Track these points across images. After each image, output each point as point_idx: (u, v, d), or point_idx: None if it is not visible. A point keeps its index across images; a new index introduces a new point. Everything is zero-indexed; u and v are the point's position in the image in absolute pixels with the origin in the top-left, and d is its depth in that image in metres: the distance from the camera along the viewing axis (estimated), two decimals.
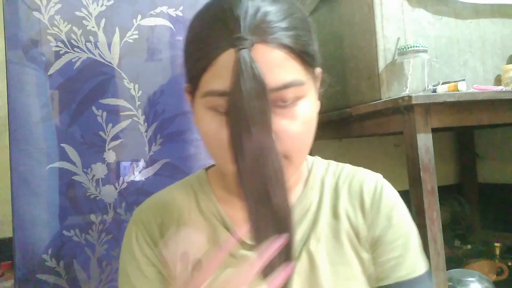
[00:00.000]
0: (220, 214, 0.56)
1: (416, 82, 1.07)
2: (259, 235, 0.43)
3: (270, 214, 0.42)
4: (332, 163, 0.62)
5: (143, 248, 0.56)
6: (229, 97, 0.40)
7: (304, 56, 0.45)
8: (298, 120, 0.46)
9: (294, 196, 0.57)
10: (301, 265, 0.53)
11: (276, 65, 0.43)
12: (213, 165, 0.62)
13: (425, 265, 0.54)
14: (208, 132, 0.47)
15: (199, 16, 0.49)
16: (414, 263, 0.54)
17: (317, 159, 0.62)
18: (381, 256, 0.54)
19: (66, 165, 0.78)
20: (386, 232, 0.55)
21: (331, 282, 0.52)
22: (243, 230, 0.50)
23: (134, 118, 0.82)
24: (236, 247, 0.53)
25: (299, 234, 0.54)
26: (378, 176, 0.59)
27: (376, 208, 0.55)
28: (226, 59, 0.42)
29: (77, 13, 0.79)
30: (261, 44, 0.42)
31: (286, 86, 0.43)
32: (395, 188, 0.60)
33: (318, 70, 0.53)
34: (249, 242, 0.53)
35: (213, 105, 0.45)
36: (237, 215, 0.55)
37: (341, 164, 0.62)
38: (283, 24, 0.44)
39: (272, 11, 0.44)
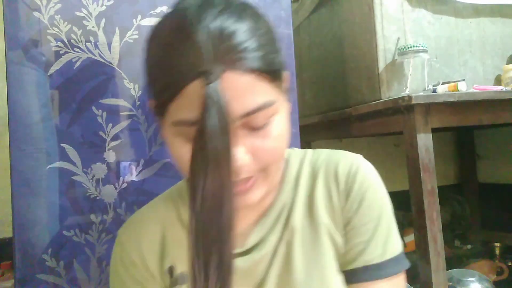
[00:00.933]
0: None
1: (416, 82, 1.07)
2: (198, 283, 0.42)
3: (214, 265, 0.41)
4: (309, 151, 0.61)
5: (128, 268, 0.56)
6: (196, 135, 0.40)
7: (273, 74, 0.45)
8: (272, 137, 0.46)
9: (271, 196, 0.56)
10: (277, 259, 0.53)
11: (246, 91, 0.42)
12: None
13: (396, 248, 0.53)
14: (178, 158, 0.46)
15: (159, 37, 0.46)
16: (384, 246, 0.53)
17: (294, 151, 0.62)
18: (351, 238, 0.54)
19: (66, 165, 0.78)
20: (356, 215, 0.54)
21: (305, 272, 0.52)
22: None
23: (134, 118, 0.82)
24: None
25: (277, 229, 0.55)
26: (355, 157, 0.57)
27: (349, 188, 0.54)
28: (193, 90, 0.40)
29: (77, 13, 0.79)
30: (229, 72, 0.40)
31: (258, 110, 0.43)
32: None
33: (285, 74, 0.52)
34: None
35: (183, 133, 0.44)
36: None
37: (318, 150, 0.61)
38: (250, 46, 0.42)
39: (236, 32, 0.41)
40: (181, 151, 0.45)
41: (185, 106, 0.42)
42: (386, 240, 0.53)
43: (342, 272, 0.54)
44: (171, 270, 0.55)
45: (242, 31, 0.42)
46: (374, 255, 0.52)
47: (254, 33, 0.43)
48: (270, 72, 0.44)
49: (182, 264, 0.54)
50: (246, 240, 0.54)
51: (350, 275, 0.53)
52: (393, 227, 0.55)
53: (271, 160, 0.47)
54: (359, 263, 0.52)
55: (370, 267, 0.52)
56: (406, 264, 0.54)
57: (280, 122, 0.47)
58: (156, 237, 0.57)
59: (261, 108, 0.43)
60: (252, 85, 0.42)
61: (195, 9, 0.43)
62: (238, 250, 0.53)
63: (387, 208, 0.55)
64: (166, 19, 0.46)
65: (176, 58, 0.42)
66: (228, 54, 0.40)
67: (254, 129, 0.45)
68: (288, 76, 0.53)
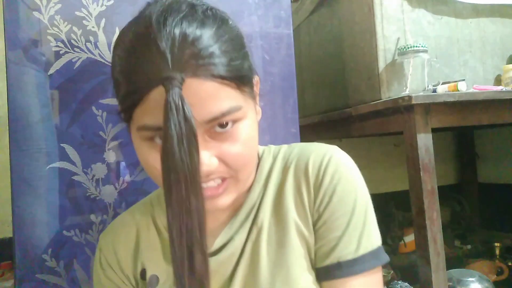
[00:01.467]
0: None
1: (416, 82, 1.07)
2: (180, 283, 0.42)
3: (187, 271, 0.42)
4: (284, 146, 0.60)
5: (107, 271, 0.58)
6: (162, 141, 0.40)
7: (238, 80, 0.44)
8: (239, 142, 0.46)
9: (242, 196, 0.55)
10: (243, 259, 0.53)
11: (210, 97, 0.42)
12: None
13: (373, 242, 0.51)
14: (146, 161, 0.47)
15: (123, 43, 0.46)
16: (358, 241, 0.51)
17: (268, 148, 0.61)
18: (322, 235, 0.52)
19: (66, 165, 0.78)
20: (326, 210, 0.52)
21: (269, 271, 0.51)
22: None
23: None
24: None
25: (244, 229, 0.54)
26: (328, 149, 0.55)
27: (319, 183, 0.52)
28: (156, 96, 0.41)
29: (77, 13, 0.79)
30: (191, 78, 0.40)
31: (222, 116, 0.43)
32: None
33: (256, 78, 0.52)
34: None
35: (149, 137, 0.45)
36: None
37: (293, 145, 0.60)
38: (214, 52, 0.42)
39: (200, 38, 0.41)
40: (147, 156, 0.46)
41: (149, 112, 0.42)
42: (361, 235, 0.51)
43: (315, 269, 0.52)
44: (143, 273, 0.56)
45: (205, 37, 0.42)
46: (347, 251, 0.50)
47: (217, 39, 0.43)
48: (235, 78, 0.44)
49: (153, 267, 0.55)
50: (215, 241, 0.54)
51: (323, 273, 0.51)
52: (369, 220, 0.52)
53: (240, 164, 0.47)
54: (331, 260, 0.51)
55: (343, 264, 0.50)
56: (384, 258, 0.52)
57: (248, 127, 0.47)
58: (131, 241, 0.58)
59: (225, 114, 0.43)
60: (216, 91, 0.42)
61: (159, 15, 0.42)
62: (210, 249, 0.54)
63: (361, 201, 0.53)
64: (131, 26, 0.47)
65: (139, 64, 0.42)
66: (190, 61, 0.40)
67: (220, 134, 0.45)
68: (258, 80, 0.53)
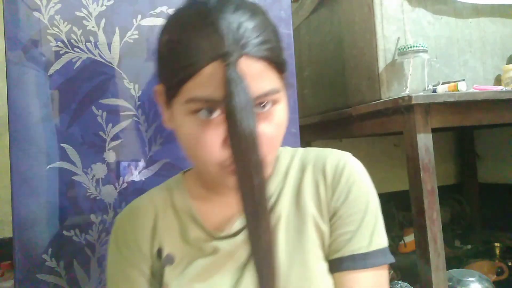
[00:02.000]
0: (191, 211, 0.59)
1: (416, 82, 1.07)
2: (251, 225, 0.46)
3: (252, 202, 0.46)
4: (300, 149, 0.65)
5: (122, 250, 0.59)
6: (225, 106, 0.44)
7: (278, 66, 0.49)
8: (273, 123, 0.50)
9: None
10: None
11: (258, 76, 0.47)
12: (190, 169, 0.66)
13: (382, 242, 0.55)
14: (189, 135, 0.50)
15: (175, 23, 0.51)
16: (370, 238, 0.55)
17: (285, 149, 0.65)
18: (337, 228, 0.56)
19: (66, 165, 0.78)
20: (343, 206, 0.56)
21: (287, 256, 0.55)
22: (213, 224, 0.57)
23: (134, 118, 0.82)
24: (205, 240, 0.57)
25: None
26: (343, 154, 0.61)
27: (336, 182, 0.57)
28: (211, 71, 0.45)
29: (77, 13, 0.79)
30: (244, 58, 0.45)
31: (265, 95, 0.48)
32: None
33: (286, 73, 0.56)
34: (217, 234, 0.57)
35: (195, 110, 0.48)
36: (211, 210, 0.59)
37: (309, 148, 0.64)
38: (262, 38, 0.47)
39: (251, 26, 0.47)
40: (192, 128, 0.49)
41: (201, 85, 0.46)
42: (372, 232, 0.55)
43: (328, 261, 0.56)
44: (159, 252, 0.58)
45: (256, 25, 0.48)
46: (360, 245, 0.54)
47: (265, 28, 0.48)
48: (277, 63, 0.49)
49: (169, 247, 0.58)
50: (232, 226, 0.57)
51: (336, 264, 0.55)
52: (379, 222, 0.57)
53: (269, 148, 0.50)
54: (345, 252, 0.54)
55: (357, 256, 0.54)
56: (391, 258, 0.55)
57: (283, 111, 0.52)
58: (149, 221, 0.60)
59: (267, 94, 0.48)
60: (263, 72, 0.47)
61: (215, 1, 0.48)
62: (223, 234, 0.57)
63: (373, 203, 0.57)
64: (185, 8, 0.51)
65: (196, 41, 0.46)
66: (244, 42, 0.45)
67: (258, 114, 0.49)
68: (287, 76, 0.56)
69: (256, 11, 0.50)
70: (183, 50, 0.47)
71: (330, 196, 0.57)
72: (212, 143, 0.48)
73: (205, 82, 0.46)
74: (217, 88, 0.45)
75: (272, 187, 0.60)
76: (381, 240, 0.55)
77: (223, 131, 0.47)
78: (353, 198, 0.57)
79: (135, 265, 0.58)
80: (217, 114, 0.47)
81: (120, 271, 0.59)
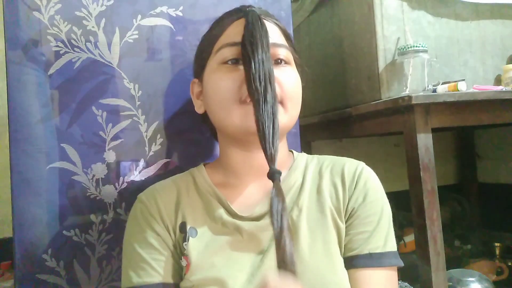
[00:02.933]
0: (214, 191, 0.64)
1: (416, 82, 1.07)
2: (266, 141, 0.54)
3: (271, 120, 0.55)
4: (317, 155, 0.71)
5: (147, 219, 0.62)
6: (241, 43, 0.57)
7: (289, 37, 0.66)
8: (289, 76, 0.62)
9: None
10: None
11: (274, 31, 0.62)
12: (208, 163, 0.72)
13: (394, 246, 0.61)
14: (218, 83, 0.60)
15: (216, 20, 0.68)
16: (385, 239, 0.60)
17: (302, 154, 0.72)
18: (354, 227, 0.61)
19: (66, 165, 0.78)
20: (360, 207, 0.61)
21: (309, 244, 0.58)
22: (236, 206, 0.62)
23: (134, 118, 0.82)
24: (228, 218, 0.61)
25: None
26: (360, 162, 0.67)
27: (355, 184, 0.63)
28: (237, 25, 0.61)
29: (77, 13, 0.79)
30: (263, 17, 0.61)
31: (280, 45, 0.61)
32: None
33: (296, 57, 0.69)
34: (241, 214, 0.61)
35: (225, 57, 0.60)
36: (233, 195, 0.64)
37: (325, 156, 0.71)
38: (275, 18, 0.66)
39: (269, 14, 0.66)
40: (222, 76, 0.60)
41: (228, 35, 0.61)
42: (387, 235, 0.60)
43: (344, 257, 0.60)
44: (182, 225, 0.61)
45: (273, 16, 0.67)
46: (377, 245, 0.59)
47: (277, 20, 0.67)
48: (287, 34, 0.66)
49: (192, 221, 0.61)
50: (254, 209, 0.61)
51: (353, 260, 0.59)
52: (391, 226, 0.63)
53: (288, 94, 0.60)
54: (363, 250, 0.58)
55: (374, 255, 0.58)
56: (401, 262, 0.60)
57: (294, 73, 0.64)
58: (172, 197, 0.64)
59: (281, 46, 0.62)
60: (277, 32, 0.63)
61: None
62: (246, 215, 0.61)
63: (387, 208, 0.63)
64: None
65: (229, 12, 0.65)
66: (263, 14, 0.63)
67: (278, 65, 0.61)
68: (298, 60, 0.69)
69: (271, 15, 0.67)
70: (217, 25, 0.65)
71: (348, 197, 0.62)
72: (234, 81, 0.58)
73: (231, 33, 0.61)
74: (241, 34, 0.58)
75: (293, 179, 0.65)
76: (393, 244, 0.61)
77: (241, 76, 0.57)
78: (370, 200, 0.62)
79: (157, 234, 0.61)
80: (240, 64, 0.59)
81: (142, 238, 0.61)
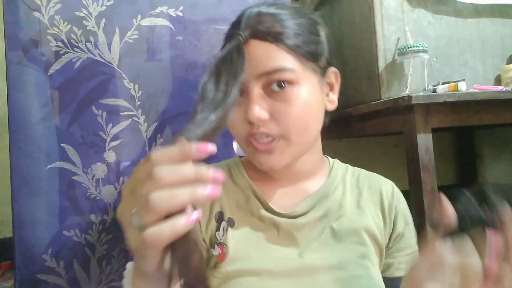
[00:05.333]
0: (252, 187, 0.63)
1: (416, 82, 1.07)
2: None
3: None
4: (350, 166, 0.72)
5: None
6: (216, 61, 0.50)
7: (298, 51, 0.55)
8: (292, 103, 0.54)
9: (318, 182, 0.66)
10: (324, 238, 0.60)
11: (266, 55, 0.54)
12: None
13: None
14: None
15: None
16: None
17: (337, 161, 0.72)
18: (402, 250, 0.64)
19: (66, 165, 0.78)
20: (405, 229, 0.65)
21: (347, 255, 0.59)
22: (273, 202, 0.62)
23: (134, 118, 0.82)
24: (265, 212, 0.61)
25: (321, 210, 0.62)
26: (390, 181, 0.70)
27: (395, 208, 0.65)
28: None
29: (77, 13, 0.79)
30: (254, 39, 0.54)
31: (274, 71, 0.53)
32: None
33: (332, 69, 0.63)
34: (278, 211, 0.61)
35: None
36: (268, 191, 0.64)
37: (357, 168, 0.71)
38: (277, 24, 0.54)
39: (270, 13, 0.55)
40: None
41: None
42: None
43: (394, 278, 0.63)
44: (220, 215, 0.61)
45: (277, 15, 0.55)
46: None
47: (290, 19, 0.55)
48: (295, 47, 0.55)
49: (230, 212, 0.62)
50: (294, 208, 0.62)
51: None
52: None
53: (290, 124, 0.55)
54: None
55: None
56: None
57: (305, 94, 0.56)
58: None
59: (277, 70, 0.54)
60: (272, 52, 0.54)
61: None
62: (284, 212, 0.61)
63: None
64: None
65: (230, 28, 0.60)
66: (256, 26, 0.54)
67: (276, 93, 0.55)
68: (337, 74, 0.64)
69: (287, 7, 0.58)
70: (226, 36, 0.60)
71: (389, 221, 0.65)
72: (238, 119, 0.56)
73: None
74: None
75: (333, 187, 0.66)
76: None
77: (244, 109, 0.54)
78: (410, 223, 0.66)
79: None
80: (244, 95, 0.55)
81: None
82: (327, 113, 0.64)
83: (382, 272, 0.63)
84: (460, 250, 0.40)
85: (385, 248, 0.64)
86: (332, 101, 0.64)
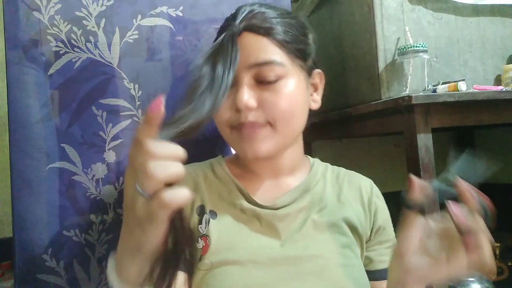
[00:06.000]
0: (234, 181, 0.65)
1: (416, 82, 1.07)
2: None
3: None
4: (329, 164, 0.74)
5: None
6: (211, 51, 0.55)
7: (285, 45, 0.58)
8: (280, 94, 0.57)
9: (299, 178, 0.68)
10: (306, 229, 0.62)
11: (259, 47, 0.57)
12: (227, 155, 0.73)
13: None
14: None
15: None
16: None
17: (317, 160, 0.74)
18: (383, 242, 0.67)
19: (66, 165, 0.78)
20: (386, 223, 0.68)
21: (328, 245, 0.61)
22: (254, 195, 0.63)
23: (134, 118, 0.82)
24: (247, 204, 0.63)
25: (302, 203, 0.64)
26: (371, 180, 0.73)
27: (374, 203, 0.68)
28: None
29: (77, 13, 0.79)
30: (248, 32, 0.57)
31: (265, 63, 0.57)
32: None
33: (317, 71, 0.67)
34: (260, 203, 0.63)
35: None
36: (251, 185, 0.65)
37: (336, 166, 0.74)
38: (272, 21, 0.58)
39: (263, 12, 0.59)
40: None
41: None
42: None
43: (377, 270, 0.65)
44: (202, 208, 0.63)
45: (268, 13, 0.59)
46: None
47: (278, 17, 0.59)
48: (285, 43, 0.58)
49: (211, 204, 0.63)
50: (275, 201, 0.64)
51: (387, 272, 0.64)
52: None
53: (278, 114, 0.58)
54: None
55: None
56: None
57: (291, 86, 0.59)
58: (190, 181, 0.65)
59: (268, 63, 0.57)
60: (265, 45, 0.57)
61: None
62: (266, 205, 0.63)
63: None
64: None
65: (223, 26, 0.63)
66: (250, 21, 0.58)
67: (266, 85, 0.57)
68: (322, 75, 0.69)
69: (278, 8, 0.61)
70: (218, 33, 0.63)
71: (370, 214, 0.67)
72: (226, 107, 0.58)
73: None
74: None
75: (314, 182, 0.68)
76: None
77: (233, 96, 0.57)
78: (387, 217, 0.69)
79: None
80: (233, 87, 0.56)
81: None
82: (311, 115, 0.66)
83: (365, 266, 0.65)
84: (438, 220, 0.45)
85: (367, 241, 0.67)
86: (316, 100, 0.68)
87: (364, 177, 0.73)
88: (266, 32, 0.57)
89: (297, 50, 0.60)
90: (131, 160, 0.40)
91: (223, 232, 0.60)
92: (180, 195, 0.36)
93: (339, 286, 0.57)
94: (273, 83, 0.57)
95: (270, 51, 0.57)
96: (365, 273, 0.63)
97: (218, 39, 0.56)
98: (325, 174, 0.71)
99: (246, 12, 0.58)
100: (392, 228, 0.68)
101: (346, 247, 0.62)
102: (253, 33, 0.57)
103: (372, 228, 0.67)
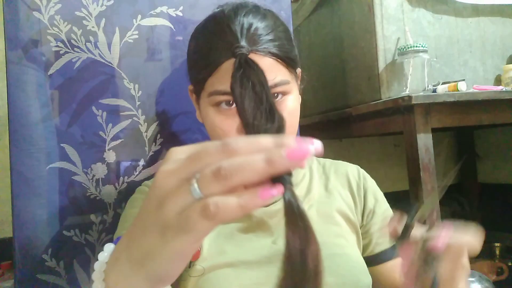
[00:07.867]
0: None
1: (416, 82, 1.07)
2: None
3: None
4: (315, 157, 0.73)
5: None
6: (232, 95, 0.45)
7: (287, 61, 0.57)
8: (285, 112, 0.57)
9: None
10: None
11: (267, 70, 0.50)
12: None
13: None
14: (212, 124, 0.57)
15: (199, 30, 0.60)
16: None
17: None
18: (376, 224, 0.67)
19: (66, 165, 0.78)
20: (376, 206, 0.68)
21: (321, 237, 0.58)
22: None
23: (134, 118, 0.82)
24: None
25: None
26: (358, 166, 0.73)
27: (363, 187, 0.69)
28: (227, 67, 0.52)
29: (77, 13, 0.79)
30: (254, 53, 0.52)
31: (275, 85, 0.55)
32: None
33: (299, 70, 0.64)
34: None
35: (217, 102, 0.55)
36: None
37: (322, 159, 0.75)
38: (271, 37, 0.55)
39: (261, 26, 0.54)
40: (214, 119, 0.56)
41: (220, 79, 0.53)
42: None
43: (375, 254, 0.66)
44: None
45: (264, 26, 0.55)
46: None
47: (274, 28, 0.56)
48: (286, 58, 0.56)
49: None
50: None
51: (382, 256, 0.65)
52: None
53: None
54: (388, 244, 0.66)
55: (395, 246, 0.64)
56: None
57: (292, 101, 0.58)
58: None
59: (277, 85, 0.55)
60: (272, 66, 0.54)
61: (230, 9, 0.56)
62: None
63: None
64: (207, 19, 0.60)
65: (216, 41, 0.54)
66: (254, 40, 0.53)
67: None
68: (300, 72, 0.65)
69: (266, 14, 0.57)
70: (205, 52, 0.56)
71: (359, 200, 0.68)
72: (229, 129, 0.55)
73: (222, 77, 0.53)
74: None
75: (301, 175, 0.68)
76: None
77: (238, 119, 0.51)
78: (380, 199, 0.69)
79: None
80: (234, 105, 0.54)
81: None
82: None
83: (364, 252, 0.66)
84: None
85: (360, 226, 0.67)
86: (299, 99, 0.67)
87: (351, 164, 0.73)
88: (270, 50, 0.54)
89: (293, 61, 0.59)
90: (195, 155, 0.30)
91: (213, 238, 0.60)
92: (252, 201, 0.27)
93: (335, 276, 0.58)
94: (278, 102, 0.56)
95: (279, 71, 0.55)
96: (363, 260, 0.63)
97: (235, 69, 0.47)
98: (311, 166, 0.71)
99: (246, 28, 0.53)
100: (385, 208, 0.69)
101: (340, 236, 0.63)
102: (258, 53, 0.53)
103: (363, 212, 0.68)
